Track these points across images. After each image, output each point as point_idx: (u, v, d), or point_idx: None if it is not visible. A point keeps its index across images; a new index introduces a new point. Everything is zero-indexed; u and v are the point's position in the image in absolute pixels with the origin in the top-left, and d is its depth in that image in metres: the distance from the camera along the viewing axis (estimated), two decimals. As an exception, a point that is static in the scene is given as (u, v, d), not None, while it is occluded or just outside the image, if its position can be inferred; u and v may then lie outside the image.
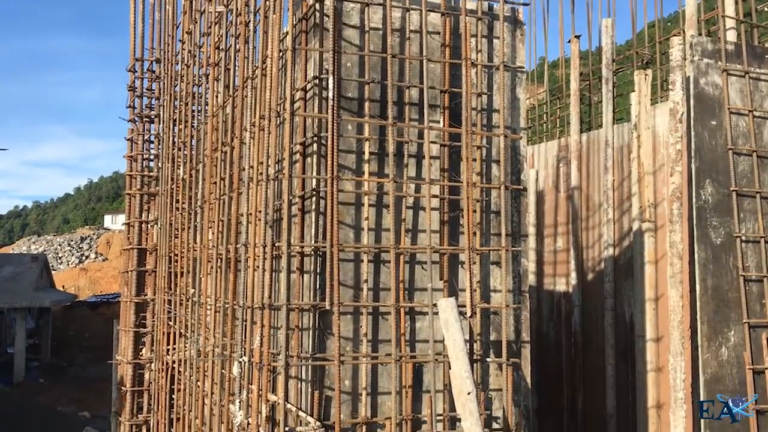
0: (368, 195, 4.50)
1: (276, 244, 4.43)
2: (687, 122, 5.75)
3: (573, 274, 8.65)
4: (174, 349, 6.71)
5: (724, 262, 5.63)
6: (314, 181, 4.40)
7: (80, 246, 52.74)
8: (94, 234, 56.23)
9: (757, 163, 5.77)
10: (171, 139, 7.41)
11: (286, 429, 3.98)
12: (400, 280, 4.50)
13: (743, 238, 5.67)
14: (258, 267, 4.61)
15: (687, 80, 5.88)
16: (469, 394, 4.07)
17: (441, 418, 4.55)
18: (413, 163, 4.68)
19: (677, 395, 6.08)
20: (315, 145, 4.46)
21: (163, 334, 7.51)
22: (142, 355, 8.23)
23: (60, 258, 50.82)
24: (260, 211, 4.74)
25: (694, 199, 5.61)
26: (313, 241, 4.35)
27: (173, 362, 6.75)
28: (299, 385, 4.50)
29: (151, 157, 8.88)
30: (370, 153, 4.53)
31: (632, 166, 7.86)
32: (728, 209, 5.67)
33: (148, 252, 8.69)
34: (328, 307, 4.16)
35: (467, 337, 4.55)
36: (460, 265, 4.74)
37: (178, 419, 6.96)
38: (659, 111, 7.53)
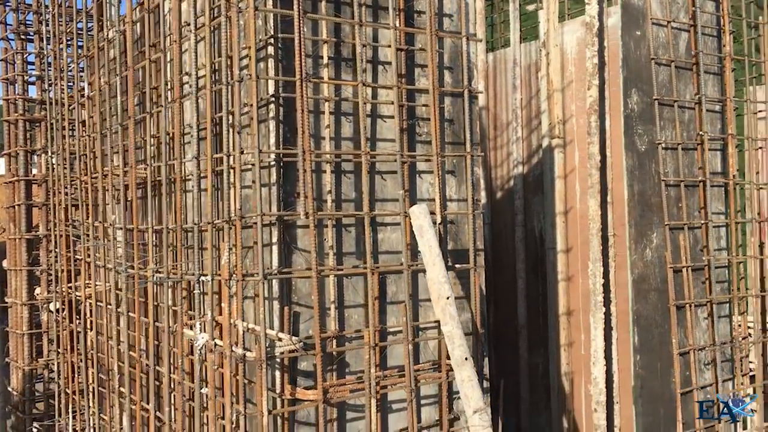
0: (328, 102, 4.27)
1: (229, 155, 4.13)
2: (616, 33, 5.90)
3: (482, 194, 8.82)
4: (87, 285, 6.20)
5: (648, 168, 5.93)
6: (272, 86, 4.10)
7: None
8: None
9: (674, 72, 6.05)
10: (65, 57, 6.65)
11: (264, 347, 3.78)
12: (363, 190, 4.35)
13: (663, 145, 5.97)
14: (205, 187, 4.31)
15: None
16: (447, 298, 4.05)
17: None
18: (369, 69, 4.48)
19: (597, 299, 6.42)
20: (270, 48, 4.14)
21: (64, 271, 6.93)
22: (37, 296, 7.56)
23: None
24: (203, 126, 4.40)
25: (621, 108, 5.82)
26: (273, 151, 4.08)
27: (86, 298, 6.25)
28: (266, 304, 4.29)
29: (32, 79, 7.97)
30: (329, 58, 4.28)
31: (541, 84, 8.04)
32: (651, 117, 5.93)
33: (36, 184, 7.89)
34: (303, 218, 3.94)
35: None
36: (417, 175, 4.66)
37: (90, 358, 6.50)
38: (567, 29, 7.69)
